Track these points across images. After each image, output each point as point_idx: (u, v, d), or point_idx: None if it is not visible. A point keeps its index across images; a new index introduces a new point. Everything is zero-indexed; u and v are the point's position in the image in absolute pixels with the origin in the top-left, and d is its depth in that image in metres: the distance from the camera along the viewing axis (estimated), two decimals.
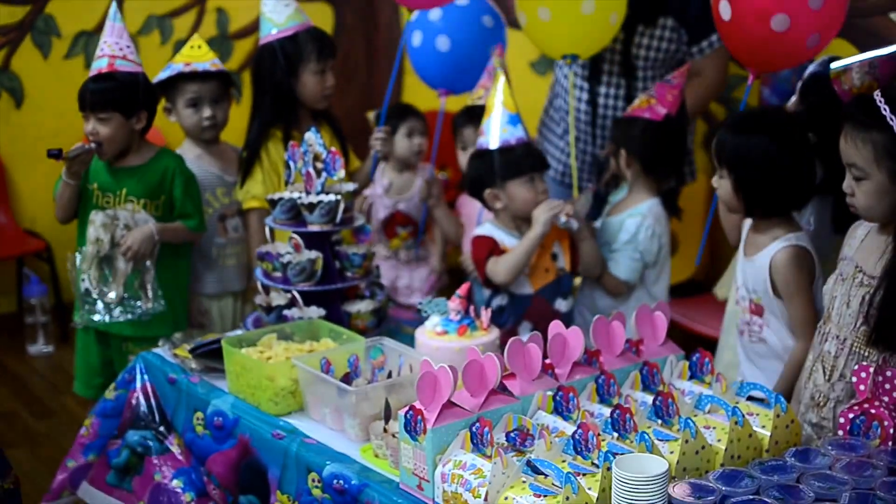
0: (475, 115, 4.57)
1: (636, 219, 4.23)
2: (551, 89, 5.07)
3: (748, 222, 3.73)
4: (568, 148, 4.78)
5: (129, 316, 4.13)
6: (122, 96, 4.17)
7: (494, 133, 4.06)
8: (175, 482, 3.53)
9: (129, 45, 4.23)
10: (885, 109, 2.99)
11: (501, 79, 4.12)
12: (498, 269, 3.99)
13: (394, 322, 4.00)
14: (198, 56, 4.54)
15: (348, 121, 4.86)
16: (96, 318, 4.14)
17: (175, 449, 3.58)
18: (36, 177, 6.55)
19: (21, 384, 5.94)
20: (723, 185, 3.62)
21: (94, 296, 4.12)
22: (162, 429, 3.64)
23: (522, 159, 4.06)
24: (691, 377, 3.14)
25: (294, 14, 4.45)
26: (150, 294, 4.12)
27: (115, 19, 4.20)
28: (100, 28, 6.21)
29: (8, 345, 6.38)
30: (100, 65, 4.17)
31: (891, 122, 2.98)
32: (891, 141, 2.99)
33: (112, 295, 4.11)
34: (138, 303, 4.12)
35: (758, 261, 3.59)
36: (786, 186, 3.54)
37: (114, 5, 4.24)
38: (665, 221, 4.31)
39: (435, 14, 4.92)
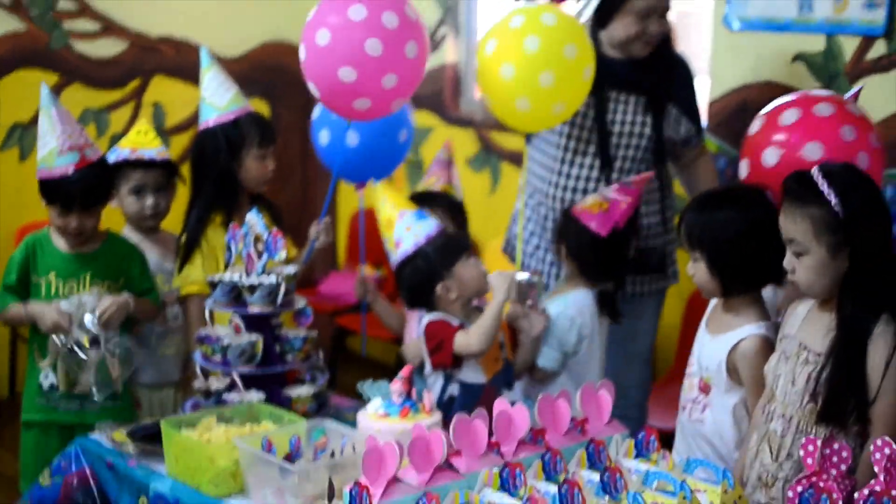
0: (428, 198, 4.57)
1: (558, 307, 4.21)
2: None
3: (713, 301, 3.72)
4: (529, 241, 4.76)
5: (105, 403, 4.08)
6: (106, 188, 4.17)
7: (410, 238, 4.03)
8: None
9: (84, 131, 4.19)
10: (822, 184, 3.03)
11: (382, 192, 4.15)
12: (470, 339, 3.89)
13: (333, 408, 3.94)
14: (144, 142, 4.51)
15: (283, 216, 4.81)
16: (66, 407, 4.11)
17: None
18: None
19: None
20: (698, 268, 3.57)
21: (62, 389, 4.04)
22: None
23: (456, 241, 4.05)
24: (637, 455, 3.12)
25: (235, 98, 4.41)
26: (119, 380, 4.03)
27: (56, 104, 4.10)
28: (35, 120, 6.20)
29: None
30: (71, 159, 4.05)
31: (828, 198, 3.02)
32: (829, 215, 3.03)
33: (83, 385, 4.02)
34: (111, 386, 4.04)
35: (721, 340, 3.56)
36: (760, 260, 3.50)
37: (45, 88, 4.14)
38: (591, 314, 4.26)
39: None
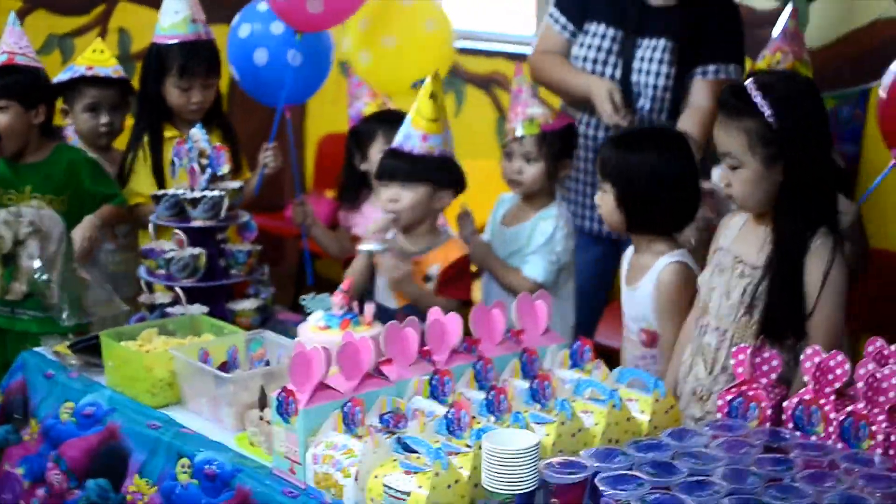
0: (384, 120, 4.44)
1: (550, 221, 4.16)
2: None
3: (627, 256, 3.69)
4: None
5: (36, 312, 4.04)
6: (21, 86, 4.15)
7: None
8: (19, 469, 3.46)
9: (29, 46, 4.25)
10: (756, 96, 3.01)
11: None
12: None
13: (280, 324, 3.94)
14: (100, 61, 4.52)
15: (250, 148, 4.78)
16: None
17: (27, 437, 3.51)
18: None
19: None
20: (605, 200, 3.55)
21: None
22: (20, 420, 3.58)
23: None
24: (573, 366, 3.11)
25: (180, 23, 4.38)
26: (55, 292, 3.99)
27: (14, 24, 4.21)
28: None
29: None
30: None
31: (761, 110, 3.00)
32: (763, 128, 3.01)
33: (15, 293, 4.02)
34: (47, 299, 3.98)
35: (642, 286, 3.54)
36: (670, 204, 3.50)
37: (12, 14, 4.26)
38: (572, 224, 4.29)
39: (268, 28, 4.75)
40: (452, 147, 4.08)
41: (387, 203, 4.00)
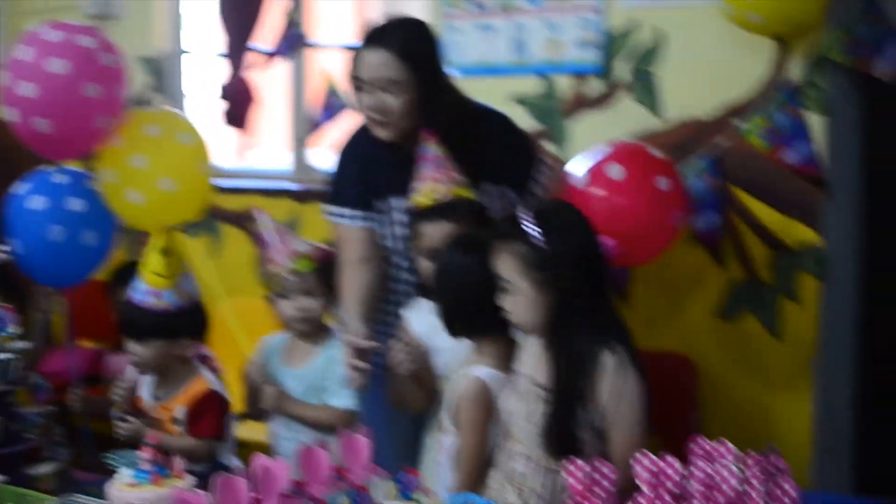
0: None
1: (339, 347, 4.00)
2: None
3: None
4: None
5: None
6: None
7: None
8: None
9: None
10: (525, 223, 3.09)
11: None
12: None
13: (80, 485, 3.77)
14: None
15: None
16: None
17: None
18: None
19: None
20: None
21: None
22: None
23: None
24: (403, 496, 3.07)
25: None
26: None
27: None
28: None
29: None
30: None
31: (532, 235, 3.08)
32: (532, 252, 3.09)
33: None
34: None
35: (456, 378, 3.54)
36: (459, 305, 3.50)
37: None
38: None
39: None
40: (192, 290, 4.07)
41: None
